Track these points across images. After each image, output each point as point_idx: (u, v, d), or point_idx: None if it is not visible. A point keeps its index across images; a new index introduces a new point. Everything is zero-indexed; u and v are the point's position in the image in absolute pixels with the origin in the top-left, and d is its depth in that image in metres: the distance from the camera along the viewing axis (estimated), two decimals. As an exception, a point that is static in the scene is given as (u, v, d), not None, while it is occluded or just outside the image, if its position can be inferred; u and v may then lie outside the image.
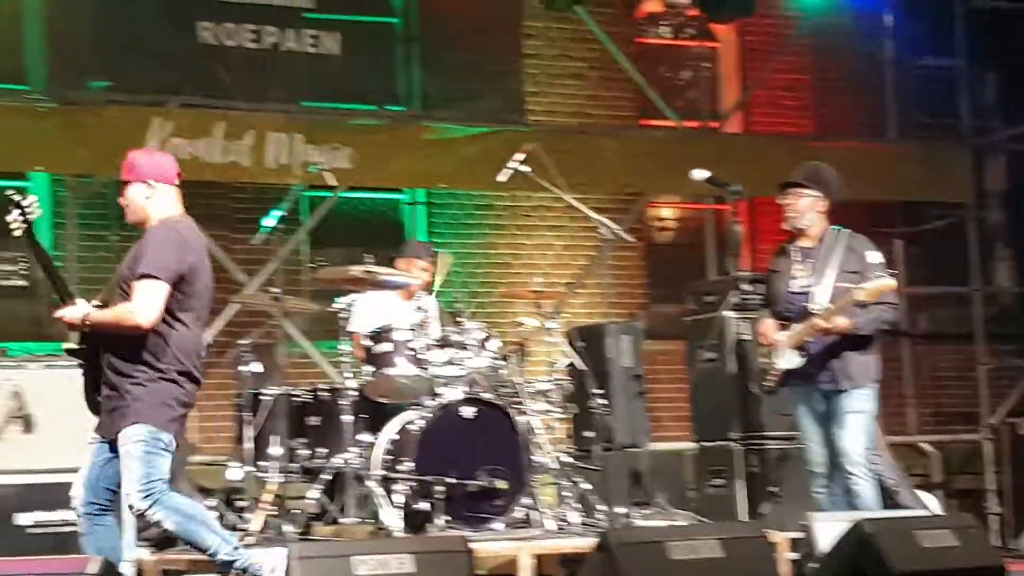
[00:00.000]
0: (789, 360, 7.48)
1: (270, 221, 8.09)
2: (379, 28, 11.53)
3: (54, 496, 7.15)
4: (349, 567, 5.21)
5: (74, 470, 6.20)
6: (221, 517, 7.99)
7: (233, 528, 7.81)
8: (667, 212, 13.13)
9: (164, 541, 8.03)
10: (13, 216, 5.83)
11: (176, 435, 5.91)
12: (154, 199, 6.01)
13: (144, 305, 5.70)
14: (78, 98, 10.03)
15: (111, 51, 10.16)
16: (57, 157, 9.86)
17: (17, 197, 5.85)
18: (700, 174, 8.56)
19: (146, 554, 7.81)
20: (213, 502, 8.16)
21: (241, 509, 8.06)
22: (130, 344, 5.78)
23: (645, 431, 9.60)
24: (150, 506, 5.79)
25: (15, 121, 9.72)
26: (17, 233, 5.84)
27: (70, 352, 5.98)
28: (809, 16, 12.50)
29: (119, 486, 5.90)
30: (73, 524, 6.36)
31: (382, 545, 5.97)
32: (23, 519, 7.10)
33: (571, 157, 10.93)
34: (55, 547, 7.18)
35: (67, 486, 6.28)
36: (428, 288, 8.91)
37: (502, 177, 8.60)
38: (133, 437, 5.75)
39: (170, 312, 5.79)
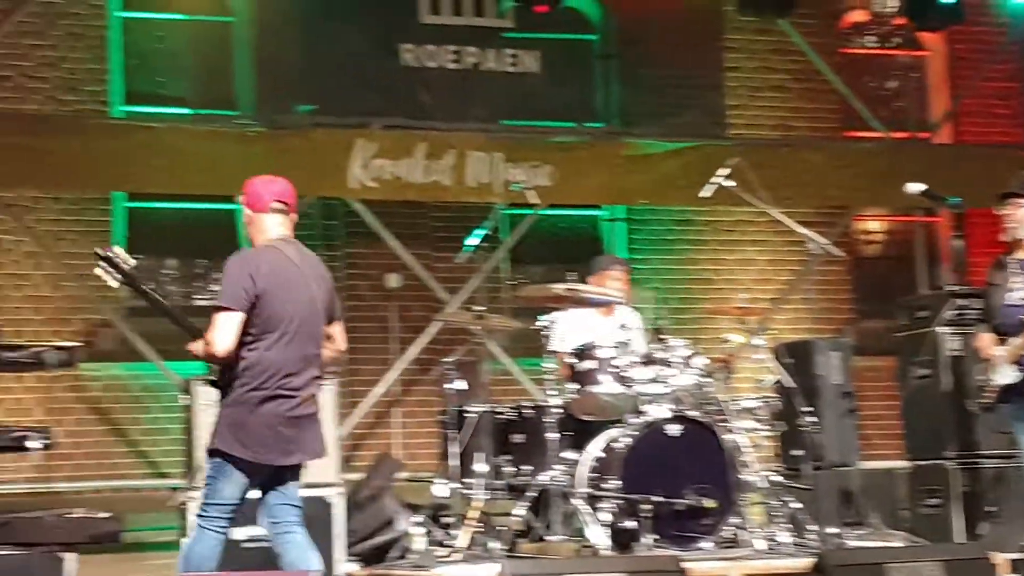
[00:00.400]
0: (1007, 375, 7.27)
1: (473, 240, 8.14)
2: (578, 45, 11.58)
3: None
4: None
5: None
6: (428, 533, 8.07)
7: (440, 544, 7.89)
8: (874, 225, 12.88)
9: (372, 556, 8.16)
10: (103, 268, 5.95)
11: (260, 455, 5.82)
12: (252, 226, 6.10)
13: (216, 335, 5.79)
14: (285, 122, 10.28)
15: (317, 76, 10.40)
16: (265, 180, 10.08)
17: (101, 251, 5.97)
18: (915, 187, 8.37)
19: (356, 568, 7.93)
20: (419, 518, 8.23)
21: (447, 526, 8.11)
22: (228, 370, 5.89)
23: (855, 449, 9.40)
24: (198, 524, 5.91)
25: (225, 146, 9.99)
26: (114, 285, 5.98)
27: (209, 383, 6.07)
28: (1019, 23, 12.16)
29: (295, 502, 5.99)
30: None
31: (594, 564, 5.95)
32: (238, 534, 7.26)
33: (774, 171, 10.82)
34: (266, 562, 7.33)
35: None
36: (628, 302, 8.86)
37: (705, 192, 8.51)
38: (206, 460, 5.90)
39: (249, 336, 5.84)
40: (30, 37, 10.43)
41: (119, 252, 5.91)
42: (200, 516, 5.93)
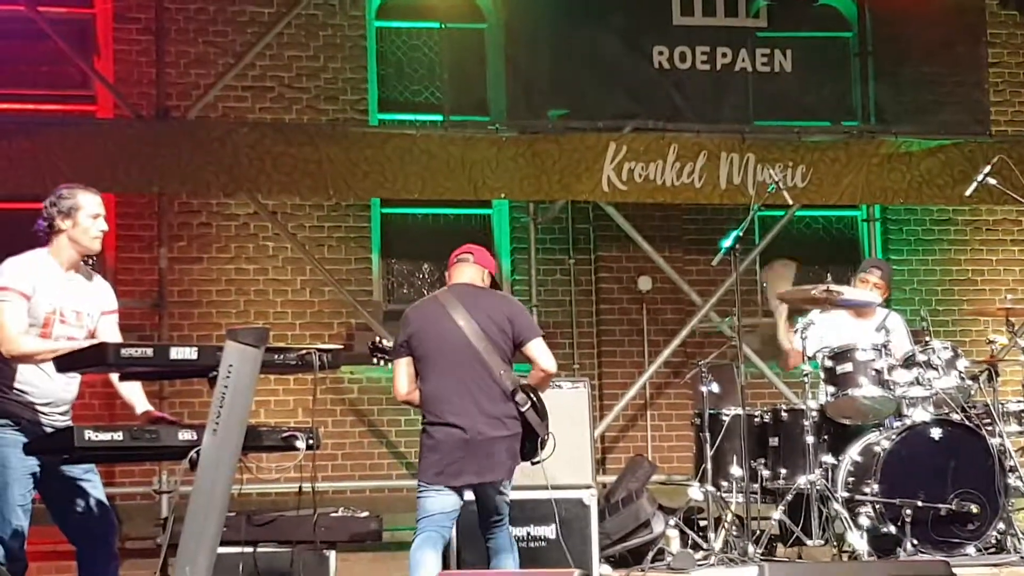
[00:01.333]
0: None
1: (727, 242, 8.10)
2: (832, 43, 11.41)
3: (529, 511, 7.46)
4: (825, 588, 5.13)
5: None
6: (683, 536, 8.07)
7: (695, 547, 7.88)
8: None
9: (627, 558, 8.19)
10: (376, 356, 6.97)
11: (440, 479, 6.54)
12: (447, 282, 6.98)
13: (394, 385, 6.78)
14: (538, 127, 10.39)
15: (569, 80, 10.50)
16: (517, 185, 10.22)
17: (370, 344, 7.05)
18: None
19: (610, 570, 7.98)
20: (674, 521, 8.23)
21: (703, 528, 8.09)
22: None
23: None
24: (416, 537, 6.63)
25: (478, 151, 10.14)
26: (388, 367, 6.93)
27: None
28: None
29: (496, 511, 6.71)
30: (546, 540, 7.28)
31: (857, 568, 5.86)
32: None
33: (1039, 168, 10.49)
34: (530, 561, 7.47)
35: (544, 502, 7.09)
36: (886, 303, 8.71)
37: (968, 191, 8.31)
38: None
39: (419, 375, 6.67)
40: (291, 48, 10.77)
41: (379, 341, 7.03)
42: (417, 530, 6.66)
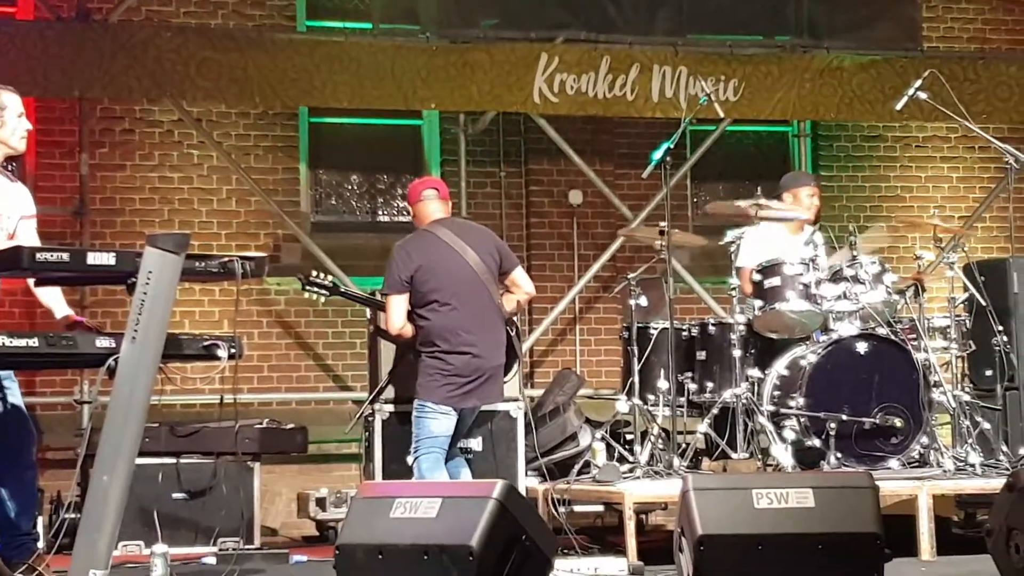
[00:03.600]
0: None
1: (657, 155, 8.05)
2: (764, -45, 11.30)
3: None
4: (750, 500, 5.14)
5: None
6: (609, 448, 8.09)
7: (621, 460, 7.91)
8: (1076, 140, 12.41)
9: (554, 470, 8.21)
10: (311, 292, 7.30)
11: (449, 401, 6.88)
12: (415, 219, 7.22)
13: (388, 319, 7.03)
14: (469, 36, 10.25)
15: (500, -11, 10.35)
16: (448, 95, 10.11)
17: (303, 278, 7.37)
18: None
19: (535, 482, 7.99)
20: (599, 434, 8.25)
21: (629, 442, 8.12)
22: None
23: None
24: (413, 460, 6.95)
25: (408, 60, 10.01)
26: (322, 301, 7.34)
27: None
28: None
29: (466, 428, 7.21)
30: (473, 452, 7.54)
31: (782, 479, 5.88)
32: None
33: (969, 85, 10.54)
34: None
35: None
36: (817, 220, 8.73)
37: (899, 106, 8.31)
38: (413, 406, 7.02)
39: (419, 307, 6.93)
40: (216, -48, 10.55)
41: (317, 274, 7.31)
42: (412, 452, 6.98)
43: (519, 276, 7.20)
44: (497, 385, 7.05)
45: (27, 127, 6.13)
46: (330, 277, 7.32)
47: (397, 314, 6.95)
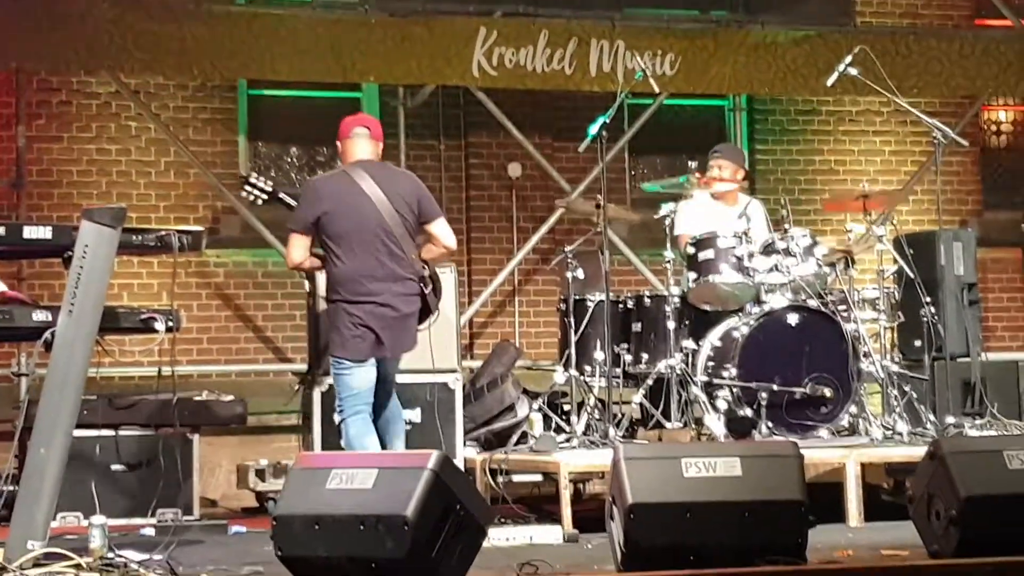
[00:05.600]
0: None
1: (594, 128, 8.11)
2: (700, -69, 11.37)
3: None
4: (679, 469, 5.23)
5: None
6: (547, 419, 8.17)
7: (558, 430, 7.99)
8: (1003, 115, 12.59)
9: (491, 440, 8.29)
10: (248, 191, 7.21)
11: (361, 352, 6.74)
12: (341, 155, 7.06)
13: (287, 253, 6.93)
14: (407, 10, 10.24)
15: (439, -39, 10.34)
16: (387, 68, 10.11)
17: (241, 181, 7.48)
18: None
19: (473, 452, 8.06)
20: (538, 405, 8.32)
21: (566, 412, 8.20)
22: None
23: (977, 340, 9.30)
24: (339, 422, 6.83)
25: (347, 33, 9.99)
26: (259, 203, 7.29)
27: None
28: None
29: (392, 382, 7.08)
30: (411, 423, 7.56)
31: (710, 448, 5.98)
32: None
33: (901, 60, 10.64)
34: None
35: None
36: (750, 191, 8.82)
37: (830, 81, 8.41)
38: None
39: (325, 252, 6.81)
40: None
41: (257, 176, 7.26)
42: (337, 412, 6.87)
43: (437, 228, 6.96)
44: (407, 335, 6.84)
45: None
46: (270, 182, 7.20)
47: (296, 249, 6.83)
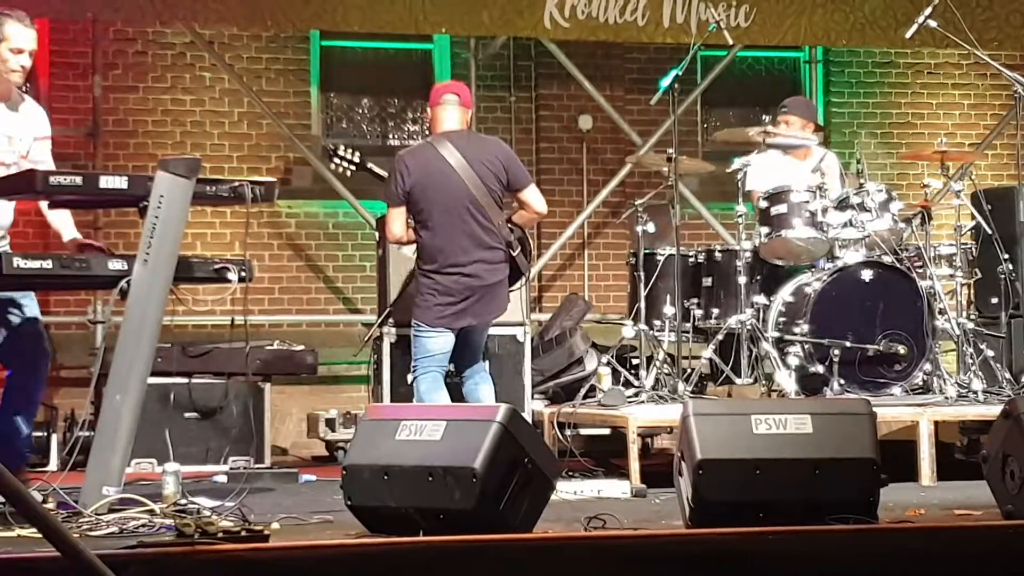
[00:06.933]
0: None
1: (666, 81, 8.07)
2: None
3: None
4: (749, 425, 5.22)
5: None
6: (615, 373, 8.18)
7: (627, 384, 8.00)
8: (1086, 69, 12.37)
9: (559, 394, 8.31)
10: (337, 163, 7.50)
11: (442, 321, 6.90)
12: (431, 122, 7.18)
13: (388, 228, 7.08)
14: (479, -40, 10.20)
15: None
16: (458, 19, 10.08)
17: (331, 148, 7.63)
18: None
19: (540, 406, 8.10)
20: (606, 359, 8.34)
21: (635, 367, 8.21)
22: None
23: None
24: (412, 380, 7.06)
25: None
26: (348, 174, 7.54)
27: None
28: None
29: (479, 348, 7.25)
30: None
31: (781, 405, 5.98)
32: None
33: (981, 12, 10.44)
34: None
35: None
36: (825, 143, 8.75)
37: (909, 33, 8.32)
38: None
39: (415, 224, 6.97)
40: None
41: (345, 147, 7.47)
42: (412, 371, 7.07)
43: (528, 195, 7.10)
44: (494, 303, 7.00)
45: (22, 63, 6.05)
46: (358, 152, 7.33)
47: (395, 224, 6.98)
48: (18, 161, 6.13)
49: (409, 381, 7.15)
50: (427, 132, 9.56)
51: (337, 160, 7.37)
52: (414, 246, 7.10)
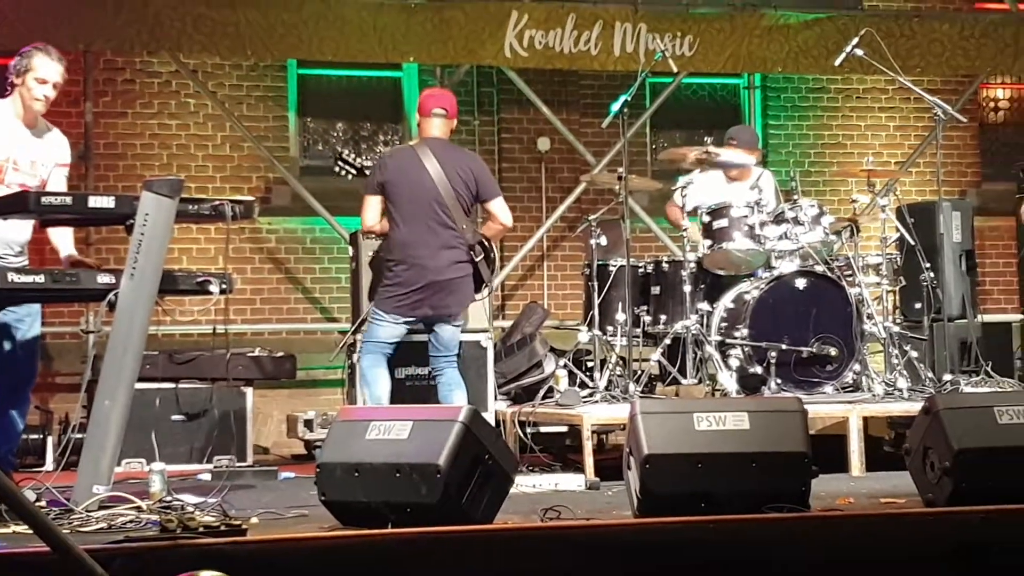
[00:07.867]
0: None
1: (616, 106, 8.09)
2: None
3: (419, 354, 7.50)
4: (691, 423, 5.23)
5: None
6: (572, 375, 8.19)
7: (582, 385, 8.00)
8: (1001, 93, 12.48)
9: (520, 395, 8.31)
10: (340, 167, 7.28)
11: (398, 310, 6.96)
12: (419, 128, 7.26)
13: (362, 214, 7.13)
14: (444, -6, 10.21)
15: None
16: (425, 49, 10.10)
17: (339, 150, 7.44)
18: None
19: (503, 406, 8.09)
20: (563, 362, 8.34)
21: (589, 369, 8.22)
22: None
23: (974, 303, 9.27)
24: (359, 359, 7.14)
25: (389, 17, 9.96)
26: (350, 178, 7.30)
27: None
28: None
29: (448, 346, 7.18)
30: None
31: (721, 404, 5.99)
32: (399, 373, 7.53)
33: (905, 41, 10.54)
34: (423, 398, 7.59)
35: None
36: (763, 163, 8.80)
37: (838, 61, 8.38)
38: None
39: (388, 216, 7.04)
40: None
41: (348, 154, 7.33)
42: (361, 351, 7.10)
43: (496, 206, 7.15)
44: (452, 296, 7.01)
45: (45, 93, 6.09)
46: (360, 160, 7.34)
47: (368, 212, 7.07)
48: (39, 185, 6.13)
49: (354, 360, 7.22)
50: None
51: (341, 164, 7.33)
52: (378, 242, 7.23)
